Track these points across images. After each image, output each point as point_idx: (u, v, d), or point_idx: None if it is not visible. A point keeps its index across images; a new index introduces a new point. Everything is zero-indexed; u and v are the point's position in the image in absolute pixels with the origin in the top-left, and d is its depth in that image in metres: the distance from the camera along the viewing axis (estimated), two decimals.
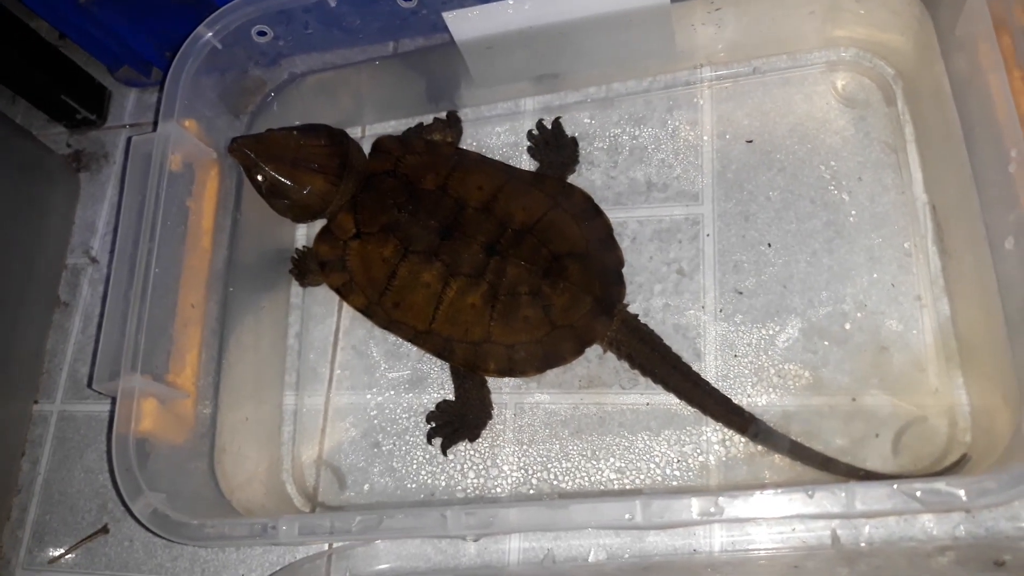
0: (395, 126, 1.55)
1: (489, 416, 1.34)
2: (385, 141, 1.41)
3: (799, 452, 1.19)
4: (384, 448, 1.39)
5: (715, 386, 1.23)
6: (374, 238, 1.31)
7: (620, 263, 1.32)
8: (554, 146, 1.43)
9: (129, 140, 1.34)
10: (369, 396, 1.43)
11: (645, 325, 1.28)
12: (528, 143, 1.46)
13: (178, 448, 1.22)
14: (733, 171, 1.39)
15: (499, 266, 1.26)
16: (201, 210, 1.35)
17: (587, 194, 1.37)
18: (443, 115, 1.49)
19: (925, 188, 1.30)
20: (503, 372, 1.29)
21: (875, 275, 1.29)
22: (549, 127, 1.45)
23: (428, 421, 1.37)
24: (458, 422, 1.34)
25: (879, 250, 1.30)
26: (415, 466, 1.38)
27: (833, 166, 1.35)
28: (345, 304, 1.43)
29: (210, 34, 1.34)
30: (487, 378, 1.33)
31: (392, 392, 1.42)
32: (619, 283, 1.31)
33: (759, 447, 1.25)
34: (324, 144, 1.34)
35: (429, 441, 1.35)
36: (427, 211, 1.30)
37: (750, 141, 1.40)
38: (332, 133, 1.38)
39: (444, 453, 1.35)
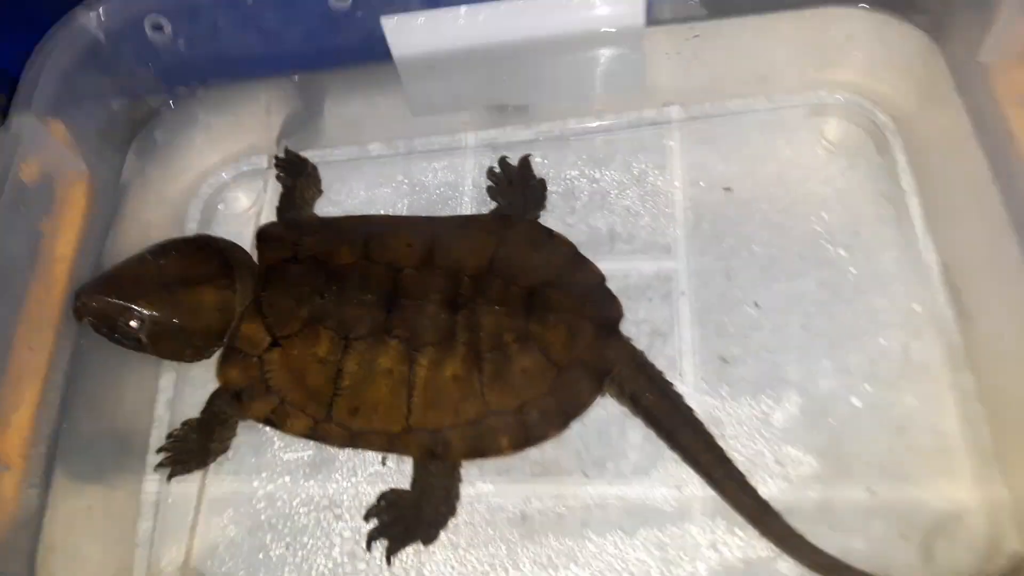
0: (313, 155, 1.29)
1: (452, 512, 1.05)
2: (270, 229, 1.17)
3: (814, 557, 0.95)
4: (274, 553, 1.07)
5: None
6: (298, 339, 1.04)
7: (600, 277, 1.11)
8: (519, 187, 1.22)
9: None
10: (257, 484, 1.11)
11: (651, 363, 1.04)
12: (489, 182, 1.24)
13: None
14: (709, 221, 1.20)
15: (469, 320, 1.01)
16: (57, 234, 1.05)
17: (530, 221, 1.17)
18: (282, 156, 1.27)
19: (935, 245, 1.13)
20: (519, 444, 1.02)
21: (883, 341, 1.10)
22: (514, 164, 1.24)
23: (369, 517, 1.06)
24: (411, 519, 1.04)
25: (885, 314, 1.11)
26: None
27: (825, 218, 1.18)
28: None
29: (91, 16, 1.07)
30: (460, 463, 1.06)
31: (288, 478, 1.11)
32: (611, 298, 1.09)
33: (758, 552, 1.00)
34: (190, 252, 1.09)
35: (368, 546, 1.05)
36: (356, 286, 1.04)
37: (728, 189, 1.21)
38: (193, 239, 1.16)
39: (388, 561, 1.04)
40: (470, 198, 1.26)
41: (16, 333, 0.96)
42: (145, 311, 1.02)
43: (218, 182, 1.31)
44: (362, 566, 1.05)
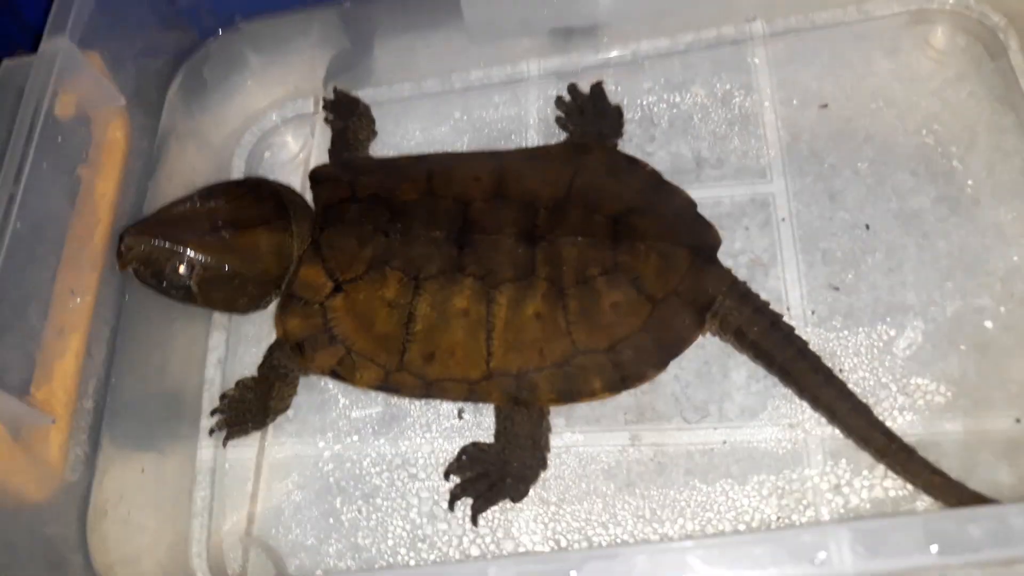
0: (363, 95, 1.19)
1: (543, 465, 0.94)
2: (323, 169, 1.07)
3: (958, 495, 0.83)
4: (345, 517, 0.97)
5: None
6: (363, 282, 0.94)
7: (691, 202, 1.00)
8: (592, 115, 1.11)
9: None
10: (322, 444, 1.01)
11: (756, 293, 0.93)
12: (558, 112, 1.13)
13: (29, 501, 0.78)
14: (806, 141, 1.09)
15: (549, 253, 0.91)
16: (97, 170, 0.96)
17: (606, 146, 1.07)
18: (330, 96, 1.18)
19: None
20: (613, 386, 0.91)
21: (1015, 258, 0.98)
22: (585, 92, 1.14)
23: (450, 475, 0.96)
24: (497, 474, 0.94)
25: (1012, 227, 1.00)
26: (391, 542, 0.95)
27: (936, 130, 1.06)
28: None
29: None
30: (550, 409, 0.96)
31: (356, 437, 1.01)
32: (705, 223, 0.98)
33: (889, 493, 0.89)
34: (242, 193, 0.99)
35: (451, 506, 0.94)
36: (423, 223, 0.94)
37: (824, 106, 1.10)
38: (243, 181, 1.08)
39: (475, 521, 0.94)
40: (536, 132, 1.16)
41: (57, 273, 0.87)
42: (195, 255, 0.92)
43: (264, 127, 1.21)
44: (443, 527, 0.95)
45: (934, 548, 0.58)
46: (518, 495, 0.94)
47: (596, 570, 0.59)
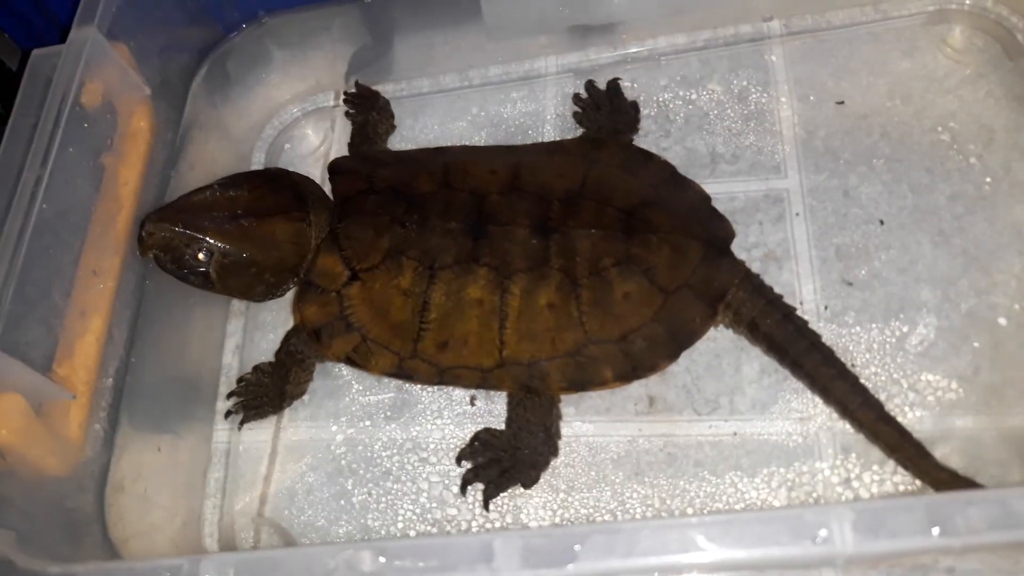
0: (382, 91, 1.21)
1: (555, 452, 0.95)
2: (342, 161, 1.09)
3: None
4: (356, 499, 0.98)
5: None
6: (380, 271, 0.95)
7: (704, 196, 1.01)
8: (608, 111, 1.12)
9: (26, 55, 0.97)
10: (335, 428, 1.03)
11: (769, 286, 0.93)
12: (575, 108, 1.14)
13: (49, 474, 0.80)
14: (822, 138, 1.09)
15: (563, 245, 0.92)
16: (121, 157, 0.98)
17: (622, 141, 1.08)
18: (351, 90, 1.20)
19: None
20: (624, 376, 0.92)
21: None
22: (602, 88, 1.15)
23: (462, 460, 0.97)
24: (508, 461, 0.94)
25: None
26: (401, 524, 0.96)
27: (953, 128, 1.06)
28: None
29: None
30: (561, 397, 0.96)
31: (368, 422, 1.03)
32: (719, 216, 0.99)
33: (899, 488, 0.89)
34: (261, 183, 1.01)
35: (463, 490, 0.95)
36: (439, 214, 0.95)
37: (841, 103, 1.10)
38: (264, 171, 1.10)
39: (486, 506, 0.94)
40: (553, 127, 1.17)
41: (80, 256, 0.89)
42: (214, 242, 0.94)
43: (285, 120, 1.23)
44: (452, 511, 0.96)
45: (935, 530, 0.58)
46: (529, 481, 0.94)
47: (600, 544, 0.60)
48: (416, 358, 0.94)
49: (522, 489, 0.94)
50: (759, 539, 0.59)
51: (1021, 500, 0.58)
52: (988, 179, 1.02)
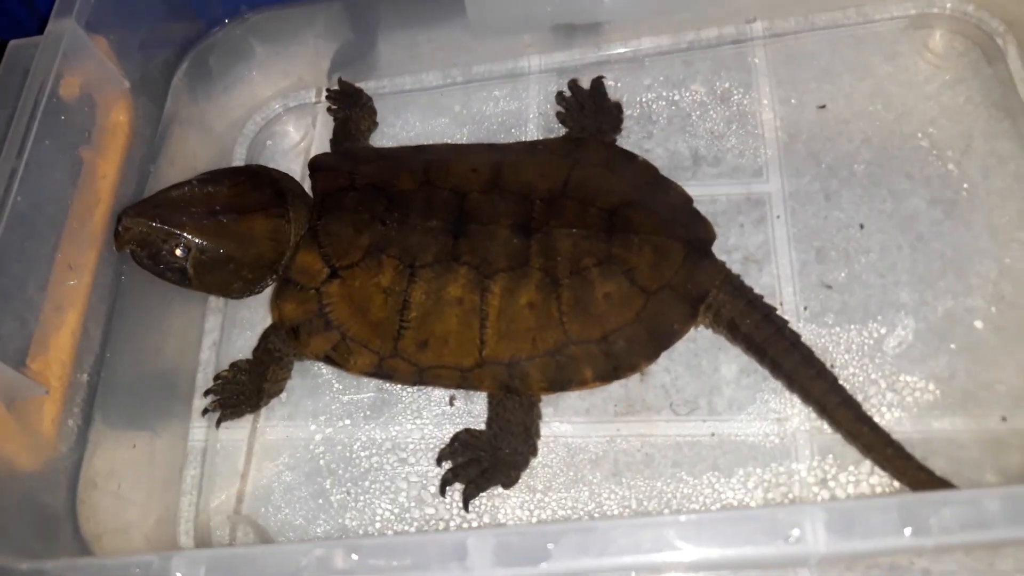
0: (364, 88, 1.20)
1: (534, 452, 0.95)
2: (323, 158, 1.09)
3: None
4: (334, 499, 0.98)
5: None
6: (360, 269, 0.94)
7: (686, 197, 1.00)
8: (592, 111, 1.12)
9: (4, 45, 0.96)
10: (314, 427, 1.02)
11: (750, 287, 0.94)
12: (559, 107, 1.14)
13: (20, 470, 0.79)
14: (804, 141, 1.10)
15: (544, 245, 0.92)
16: (99, 150, 0.97)
17: (605, 141, 1.08)
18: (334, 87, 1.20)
19: None
20: (605, 376, 0.92)
21: (1007, 260, 0.98)
22: (586, 88, 1.15)
23: (442, 460, 0.97)
24: (488, 461, 0.94)
25: (1006, 231, 1.00)
26: (379, 524, 0.96)
27: (933, 134, 1.07)
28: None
29: None
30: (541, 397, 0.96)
31: (347, 421, 1.02)
32: (700, 218, 0.99)
33: (875, 488, 0.89)
34: (240, 180, 1.00)
35: (442, 491, 0.95)
36: (420, 212, 0.95)
37: (823, 107, 1.11)
38: (243, 168, 1.09)
39: (466, 507, 0.94)
40: (535, 126, 1.17)
41: (56, 250, 0.88)
42: (192, 238, 0.93)
43: (266, 116, 1.23)
44: (430, 511, 0.95)
45: (907, 530, 0.58)
46: (509, 481, 0.94)
47: (573, 543, 0.60)
48: (396, 357, 0.94)
49: (500, 489, 0.94)
50: (732, 538, 0.59)
51: (994, 501, 0.58)
52: (966, 185, 1.03)
